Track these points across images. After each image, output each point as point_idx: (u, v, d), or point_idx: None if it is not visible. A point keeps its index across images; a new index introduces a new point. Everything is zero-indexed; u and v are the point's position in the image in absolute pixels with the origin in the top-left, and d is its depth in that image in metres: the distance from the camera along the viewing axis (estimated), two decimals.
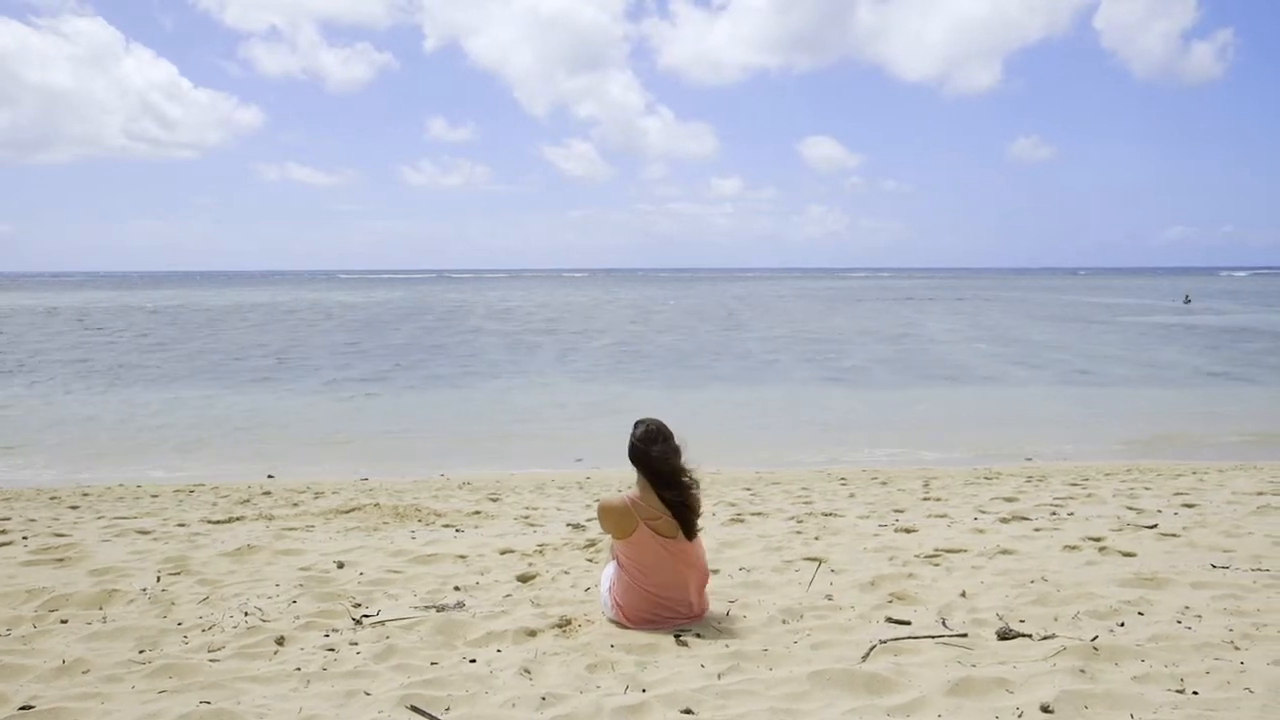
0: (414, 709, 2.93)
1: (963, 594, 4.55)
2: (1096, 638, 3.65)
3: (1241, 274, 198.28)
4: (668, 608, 4.04)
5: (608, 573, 4.27)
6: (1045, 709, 2.92)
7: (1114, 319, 43.86)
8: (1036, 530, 6.48)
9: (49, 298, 75.66)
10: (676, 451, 4.08)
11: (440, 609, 4.40)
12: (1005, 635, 3.77)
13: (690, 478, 4.10)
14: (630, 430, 4.18)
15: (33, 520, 7.53)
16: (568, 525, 6.99)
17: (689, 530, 4.06)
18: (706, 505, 8.50)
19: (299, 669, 3.46)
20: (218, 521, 7.51)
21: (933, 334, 35.66)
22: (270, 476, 11.36)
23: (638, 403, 18.15)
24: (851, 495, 9.04)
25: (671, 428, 4.17)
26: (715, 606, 4.36)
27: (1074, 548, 5.76)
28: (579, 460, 12.47)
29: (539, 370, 24.08)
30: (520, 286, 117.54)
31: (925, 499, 8.63)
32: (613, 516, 4.09)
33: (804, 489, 9.63)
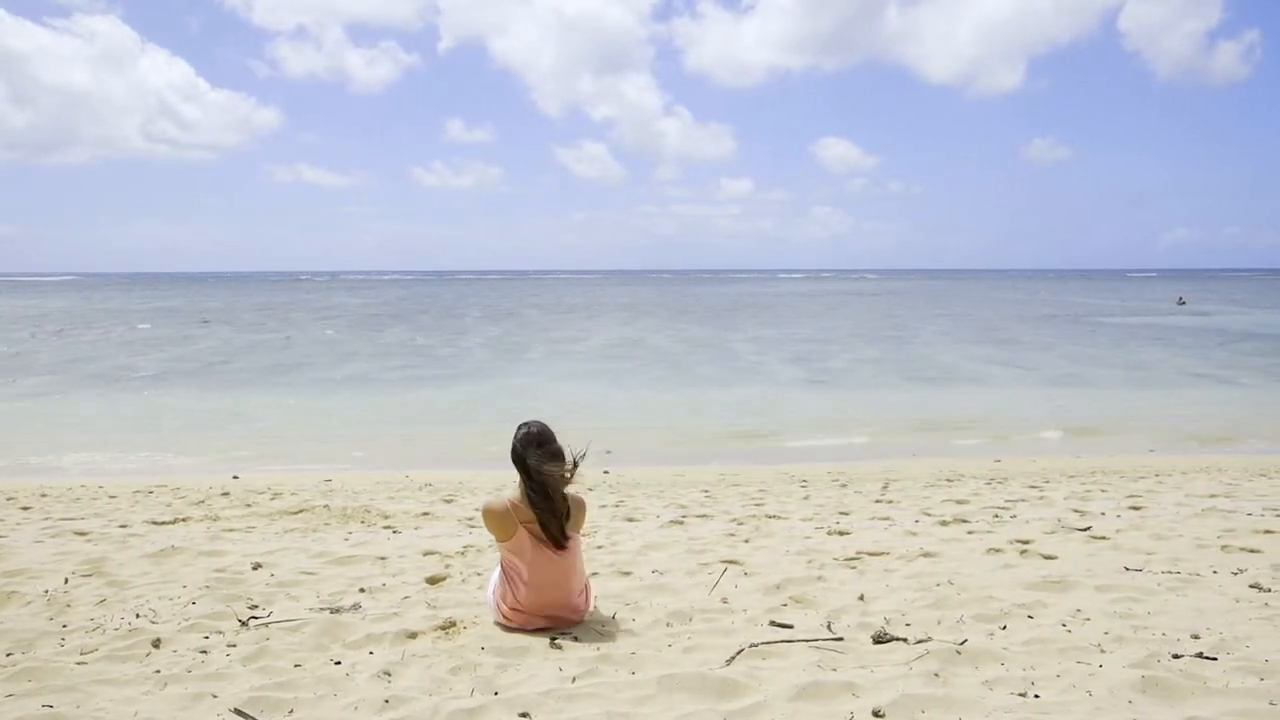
0: (239, 713, 2.92)
1: (860, 597, 4.52)
2: (965, 641, 3.62)
3: None
4: (547, 609, 4.02)
5: (494, 575, 4.26)
6: (877, 714, 2.88)
7: (1107, 320, 43.70)
8: (970, 533, 6.43)
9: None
10: (555, 458, 4.04)
11: (334, 610, 4.39)
12: (880, 639, 3.74)
13: (564, 490, 4.06)
14: (514, 431, 4.18)
15: None
16: None
17: (556, 539, 4.02)
18: (656, 506, 8.52)
19: (159, 671, 3.45)
20: (162, 523, 7.51)
21: (925, 335, 35.53)
22: (235, 477, 11.38)
23: (629, 403, 18.23)
24: (806, 497, 8.99)
25: (554, 430, 4.15)
26: (607, 609, 4.34)
27: (998, 550, 5.72)
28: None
29: (531, 371, 24.11)
30: (522, 288, 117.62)
31: (878, 501, 8.57)
32: (493, 519, 4.08)
33: (761, 490, 9.58)
